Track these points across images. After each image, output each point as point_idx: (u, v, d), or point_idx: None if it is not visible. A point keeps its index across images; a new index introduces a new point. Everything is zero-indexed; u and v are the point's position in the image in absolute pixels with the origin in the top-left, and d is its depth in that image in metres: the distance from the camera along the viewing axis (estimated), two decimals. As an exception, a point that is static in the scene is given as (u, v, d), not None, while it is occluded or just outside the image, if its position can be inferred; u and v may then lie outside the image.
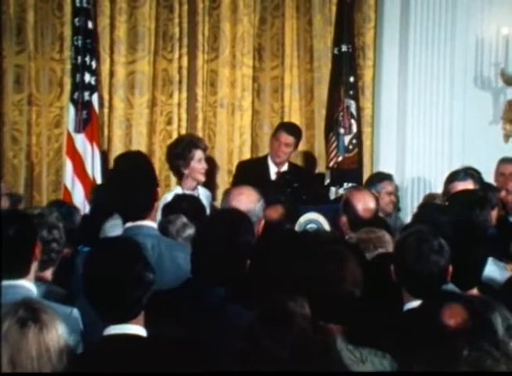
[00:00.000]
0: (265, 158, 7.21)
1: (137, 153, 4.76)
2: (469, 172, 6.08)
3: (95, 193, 5.79)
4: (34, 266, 3.50)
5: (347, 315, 3.14)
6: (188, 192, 6.28)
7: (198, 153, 6.47)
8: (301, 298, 3.06)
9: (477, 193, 5.27)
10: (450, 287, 3.74)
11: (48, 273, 3.99)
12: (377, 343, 3.15)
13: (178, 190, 6.32)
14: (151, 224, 4.04)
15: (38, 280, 3.83)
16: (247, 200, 4.45)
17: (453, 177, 5.92)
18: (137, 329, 2.94)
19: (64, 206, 5.59)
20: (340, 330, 3.12)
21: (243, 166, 7.24)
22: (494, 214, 5.38)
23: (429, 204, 5.75)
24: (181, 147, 6.46)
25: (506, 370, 1.95)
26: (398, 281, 3.62)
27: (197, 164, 6.45)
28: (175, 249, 4.06)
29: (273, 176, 7.07)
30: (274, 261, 3.62)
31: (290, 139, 7.07)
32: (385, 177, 7.10)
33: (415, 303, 3.49)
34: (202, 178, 6.51)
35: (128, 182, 4.03)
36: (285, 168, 7.09)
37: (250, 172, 6.93)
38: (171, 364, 2.85)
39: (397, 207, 7.44)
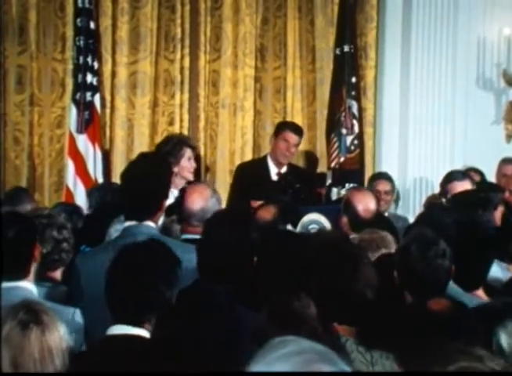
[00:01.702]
0: (264, 159, 7.15)
1: (164, 159, 4.76)
2: (466, 172, 6.07)
3: (98, 192, 5.75)
4: (34, 268, 3.49)
5: (359, 316, 3.08)
6: (175, 191, 6.24)
7: (188, 152, 6.41)
8: (305, 298, 3.04)
9: (478, 194, 5.26)
10: (453, 287, 3.74)
11: (58, 273, 4.00)
12: (388, 345, 3.08)
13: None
14: (151, 224, 4.03)
15: (47, 280, 3.84)
16: (199, 198, 4.47)
17: (452, 177, 5.90)
18: (139, 330, 2.94)
19: (70, 207, 5.56)
20: (352, 331, 3.07)
21: (243, 168, 7.17)
22: (497, 214, 5.36)
23: (434, 205, 5.73)
24: (171, 145, 6.40)
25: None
26: (402, 285, 3.61)
27: (187, 162, 6.40)
28: (175, 248, 4.04)
29: (274, 177, 7.02)
30: (280, 261, 3.59)
31: (298, 140, 7.06)
32: (378, 176, 7.13)
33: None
34: (191, 177, 6.42)
35: (142, 181, 4.03)
36: (284, 168, 7.05)
37: (251, 174, 6.91)
38: (172, 365, 2.84)
39: (396, 205, 7.45)
